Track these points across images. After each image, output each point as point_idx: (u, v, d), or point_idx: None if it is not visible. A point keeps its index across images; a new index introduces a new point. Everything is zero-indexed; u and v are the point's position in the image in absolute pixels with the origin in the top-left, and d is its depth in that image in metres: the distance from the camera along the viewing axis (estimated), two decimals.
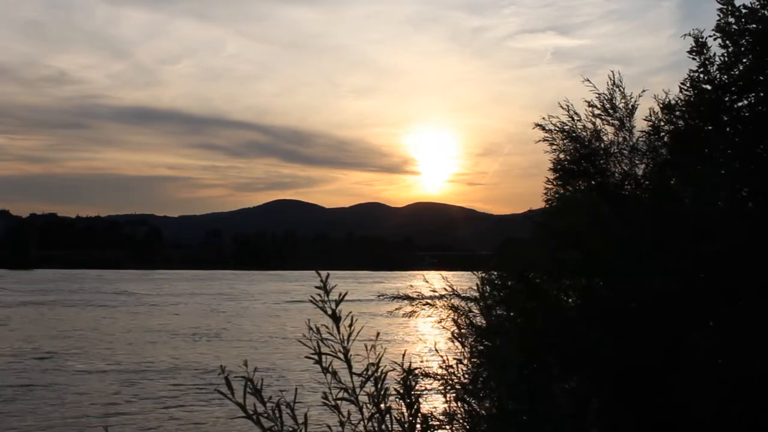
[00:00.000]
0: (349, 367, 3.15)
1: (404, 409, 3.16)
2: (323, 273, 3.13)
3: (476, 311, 5.43)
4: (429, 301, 5.71)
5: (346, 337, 3.12)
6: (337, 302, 3.12)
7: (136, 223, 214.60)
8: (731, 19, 4.33)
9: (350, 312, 3.20)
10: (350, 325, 3.13)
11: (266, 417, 2.96)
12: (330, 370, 3.10)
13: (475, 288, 5.59)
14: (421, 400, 3.33)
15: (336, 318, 3.12)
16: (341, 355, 3.12)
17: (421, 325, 5.95)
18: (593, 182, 5.17)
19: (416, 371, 3.39)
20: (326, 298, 3.10)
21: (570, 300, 4.98)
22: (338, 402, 3.10)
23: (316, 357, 3.09)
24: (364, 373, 3.15)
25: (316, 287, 3.12)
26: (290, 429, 3.01)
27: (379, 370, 3.13)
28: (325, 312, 3.11)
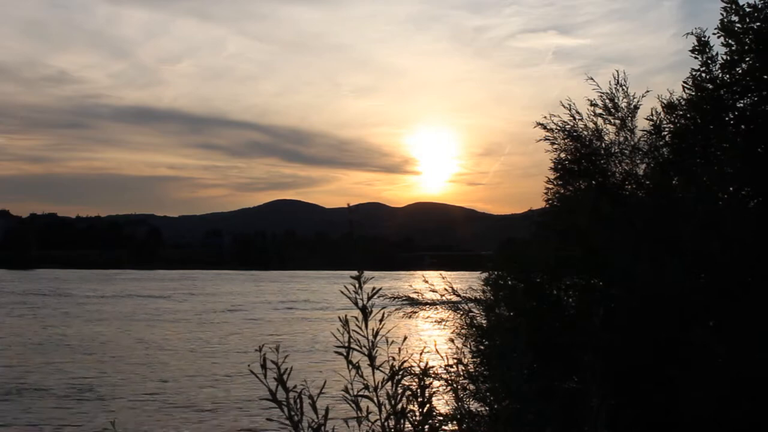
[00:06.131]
0: (372, 363, 3.16)
1: (416, 408, 3.16)
2: (355, 272, 3.20)
3: (476, 311, 5.42)
4: (429, 301, 5.70)
5: (373, 333, 3.15)
6: (369, 297, 3.14)
7: (136, 223, 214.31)
8: (735, 18, 4.31)
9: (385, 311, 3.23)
10: (381, 320, 3.15)
11: (287, 406, 3.01)
12: (355, 365, 3.13)
13: (475, 288, 5.58)
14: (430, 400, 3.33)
15: (366, 313, 3.14)
16: (362, 351, 3.15)
17: (421, 325, 5.94)
18: (594, 182, 5.15)
19: (430, 371, 3.39)
20: (360, 293, 3.13)
21: (571, 300, 4.97)
22: (358, 398, 3.13)
23: (343, 351, 3.13)
24: (387, 370, 3.17)
25: (353, 277, 3.15)
26: (312, 421, 3.04)
27: (397, 369, 3.15)
28: (356, 306, 3.14)
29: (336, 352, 3.13)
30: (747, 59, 4.35)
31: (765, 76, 4.32)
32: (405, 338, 3.29)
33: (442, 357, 4.84)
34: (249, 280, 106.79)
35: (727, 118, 4.51)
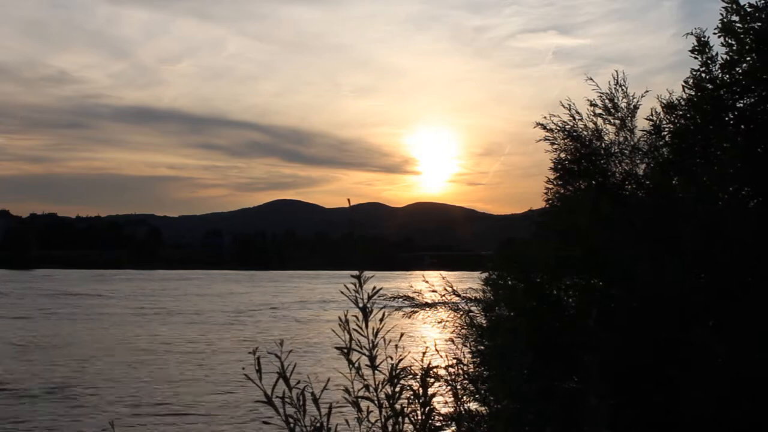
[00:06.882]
0: (373, 363, 3.15)
1: (418, 409, 3.16)
2: (356, 272, 3.20)
3: (476, 311, 5.42)
4: (429, 301, 5.69)
5: (374, 332, 3.14)
6: (370, 296, 3.14)
7: (136, 223, 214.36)
8: (735, 18, 4.31)
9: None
10: (381, 320, 3.15)
11: (290, 403, 3.00)
12: (356, 365, 3.13)
13: (475, 288, 5.58)
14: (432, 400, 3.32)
15: (366, 312, 3.14)
16: (365, 351, 3.15)
17: (420, 326, 5.93)
18: (594, 182, 5.15)
19: (431, 372, 3.39)
20: (360, 292, 3.13)
21: (571, 300, 4.97)
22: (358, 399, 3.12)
23: (345, 350, 3.12)
24: (386, 370, 3.16)
25: (353, 276, 3.15)
26: (314, 419, 3.03)
27: (397, 369, 3.14)
28: (357, 305, 3.14)
29: (336, 348, 3.13)
30: (747, 59, 4.35)
31: (765, 76, 4.31)
32: (401, 335, 3.29)
33: (442, 357, 4.84)
34: (249, 280, 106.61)
35: (727, 118, 4.51)
